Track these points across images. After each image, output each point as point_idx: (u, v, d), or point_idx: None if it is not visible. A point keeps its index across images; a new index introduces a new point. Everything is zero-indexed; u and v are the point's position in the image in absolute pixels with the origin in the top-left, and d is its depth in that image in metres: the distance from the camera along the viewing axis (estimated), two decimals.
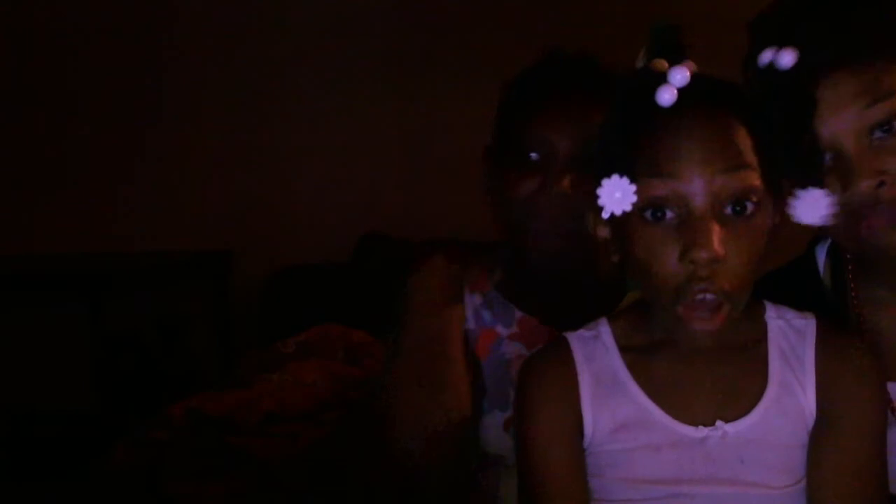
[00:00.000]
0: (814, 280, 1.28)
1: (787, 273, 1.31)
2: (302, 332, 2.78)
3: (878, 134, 1.08)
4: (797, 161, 1.07)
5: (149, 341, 3.46)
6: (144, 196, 3.53)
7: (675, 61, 1.02)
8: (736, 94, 1.04)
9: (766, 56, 1.06)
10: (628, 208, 0.99)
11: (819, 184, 1.07)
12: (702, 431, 1.04)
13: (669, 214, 0.98)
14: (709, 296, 0.97)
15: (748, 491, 1.03)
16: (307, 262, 3.26)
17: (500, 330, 1.45)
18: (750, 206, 0.98)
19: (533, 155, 1.36)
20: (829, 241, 1.29)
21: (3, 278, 3.31)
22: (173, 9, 3.46)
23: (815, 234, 1.31)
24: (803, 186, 1.07)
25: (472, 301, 1.48)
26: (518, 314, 1.45)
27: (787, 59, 1.05)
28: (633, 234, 1.00)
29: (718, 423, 1.04)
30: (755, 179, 0.98)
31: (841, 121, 1.08)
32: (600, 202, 1.00)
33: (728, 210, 0.97)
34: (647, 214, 0.99)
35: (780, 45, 1.06)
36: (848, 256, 1.26)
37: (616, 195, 0.99)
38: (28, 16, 3.54)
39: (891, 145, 1.08)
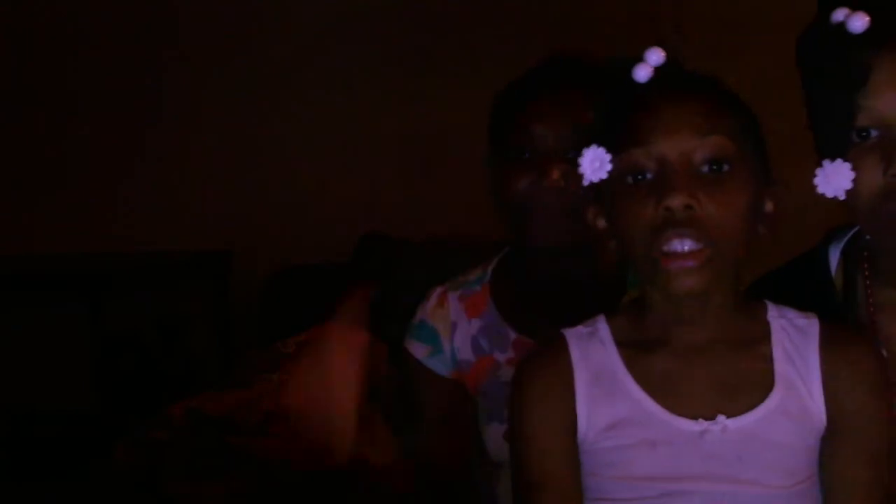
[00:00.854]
0: (824, 279, 1.26)
1: (796, 270, 1.30)
2: (302, 332, 2.78)
3: None
4: (830, 131, 1.09)
5: (149, 341, 3.46)
6: (144, 196, 3.53)
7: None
8: (713, 80, 1.09)
9: (838, 15, 1.08)
10: (604, 176, 1.06)
11: (844, 157, 1.08)
12: (701, 425, 1.04)
13: (648, 176, 1.03)
14: (687, 242, 1.00)
15: (745, 489, 1.03)
16: (307, 262, 3.26)
17: (498, 356, 1.47)
18: (726, 166, 1.03)
19: (521, 150, 1.38)
20: (844, 240, 1.27)
21: (3, 278, 3.32)
22: (173, 9, 3.46)
23: (828, 233, 1.31)
24: (830, 158, 1.08)
25: (470, 328, 1.49)
26: (512, 336, 1.47)
27: (858, 22, 1.07)
28: (617, 199, 1.06)
29: (719, 417, 1.04)
30: (729, 145, 1.03)
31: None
32: (580, 170, 1.08)
33: (704, 168, 1.02)
34: (629, 179, 1.04)
35: (854, 8, 1.06)
36: (865, 254, 1.23)
37: (595, 164, 1.07)
38: (28, 16, 3.54)
39: None
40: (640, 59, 1.08)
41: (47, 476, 3.05)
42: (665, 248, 1.01)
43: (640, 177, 1.03)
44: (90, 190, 3.54)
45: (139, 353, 3.43)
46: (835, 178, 1.09)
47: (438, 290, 1.55)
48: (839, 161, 1.08)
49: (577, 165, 1.35)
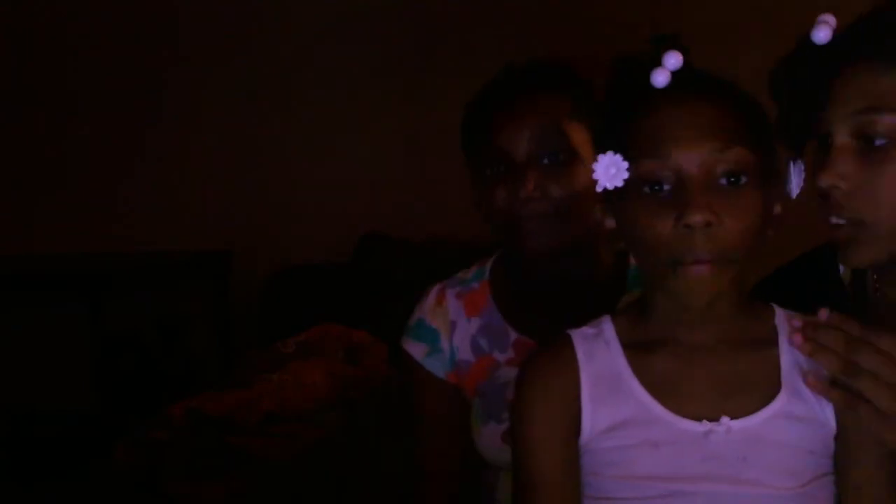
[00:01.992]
0: (833, 277, 1.26)
1: (804, 267, 1.30)
2: (302, 332, 2.78)
3: (876, 141, 1.06)
4: (790, 134, 1.09)
5: (149, 341, 3.46)
6: (144, 196, 3.53)
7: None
8: (730, 84, 1.07)
9: (821, 18, 1.09)
10: (620, 184, 1.03)
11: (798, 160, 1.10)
12: (705, 426, 1.03)
13: (666, 187, 1.01)
14: (705, 257, 0.99)
15: (749, 490, 1.03)
16: (307, 262, 3.26)
17: (497, 356, 1.47)
18: (744, 178, 1.01)
19: (496, 164, 1.38)
20: None
21: (3, 278, 3.32)
22: (173, 9, 3.46)
23: None
24: (794, 160, 1.10)
25: (469, 328, 1.49)
26: (513, 336, 1.47)
27: (822, 34, 1.08)
28: (632, 208, 1.03)
29: (724, 418, 1.03)
30: (749, 157, 1.01)
31: (841, 114, 1.08)
32: (595, 177, 1.04)
33: (723, 181, 1.00)
34: (646, 189, 1.02)
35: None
36: None
37: (611, 171, 1.04)
38: (28, 16, 3.54)
39: (873, 157, 1.06)
40: (654, 59, 1.04)
41: (47, 476, 3.05)
42: (682, 262, 1.00)
43: (657, 187, 1.01)
44: (90, 190, 3.54)
45: (139, 353, 3.43)
46: (795, 179, 1.10)
47: (436, 287, 1.54)
48: (793, 163, 1.10)
49: (552, 170, 1.36)
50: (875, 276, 1.22)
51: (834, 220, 1.10)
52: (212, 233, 3.48)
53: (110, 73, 3.49)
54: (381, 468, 2.12)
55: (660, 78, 1.04)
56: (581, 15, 3.13)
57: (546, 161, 1.36)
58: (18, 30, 3.56)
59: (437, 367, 1.49)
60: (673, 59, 1.04)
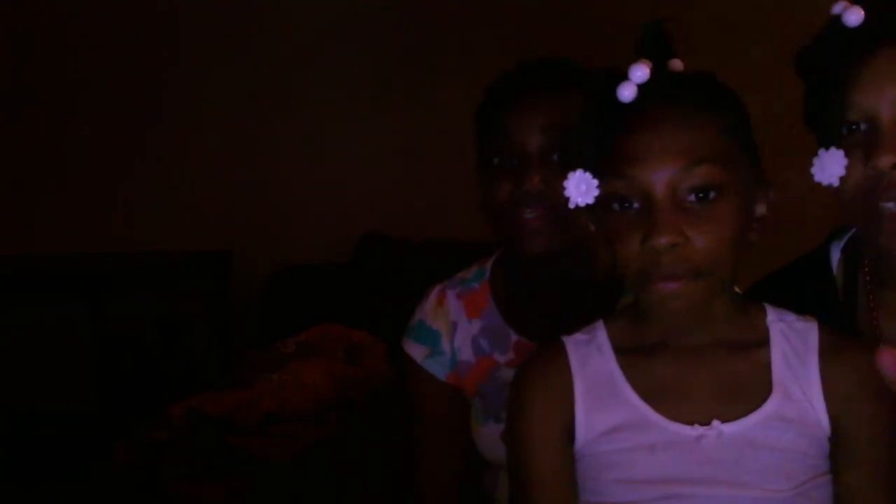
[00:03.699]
0: (826, 278, 1.26)
1: (800, 268, 1.30)
2: (302, 332, 2.78)
3: None
4: (823, 120, 1.08)
5: (149, 341, 3.46)
6: (144, 196, 3.53)
7: (661, 58, 1.05)
8: (707, 86, 1.06)
9: (837, 7, 1.08)
10: (591, 201, 1.04)
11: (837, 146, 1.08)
12: (697, 430, 1.03)
13: (635, 205, 1.01)
14: (674, 276, 0.99)
15: (744, 493, 1.03)
16: (307, 262, 3.26)
17: (498, 357, 1.47)
18: (713, 194, 1.00)
19: (506, 157, 1.37)
20: (846, 238, 1.27)
21: (3, 278, 3.32)
22: (173, 8, 3.46)
23: (832, 230, 1.30)
24: (825, 147, 1.08)
25: (470, 329, 1.48)
26: (514, 338, 1.47)
27: (853, 17, 1.07)
28: (605, 221, 1.04)
29: (715, 422, 1.03)
30: (716, 173, 1.00)
31: (885, 93, 1.06)
32: (566, 194, 1.05)
33: (691, 198, 0.99)
34: (615, 206, 1.02)
35: (854, 2, 1.07)
36: (864, 250, 1.22)
37: (581, 188, 1.04)
38: (28, 16, 3.54)
39: None
40: (624, 73, 1.03)
41: (47, 476, 3.05)
42: (650, 279, 1.00)
43: (626, 204, 1.01)
44: (90, 190, 3.54)
45: (139, 353, 3.43)
46: (829, 166, 1.08)
47: (437, 288, 1.54)
48: (833, 149, 1.08)
49: (560, 167, 1.35)
50: (868, 279, 1.22)
51: (891, 205, 1.08)
52: (212, 233, 3.48)
53: (110, 73, 3.49)
54: (381, 468, 2.12)
55: (626, 92, 1.02)
56: (581, 15, 3.13)
57: (556, 157, 1.36)
58: (18, 30, 3.56)
59: (438, 369, 1.49)
60: (639, 73, 1.02)
